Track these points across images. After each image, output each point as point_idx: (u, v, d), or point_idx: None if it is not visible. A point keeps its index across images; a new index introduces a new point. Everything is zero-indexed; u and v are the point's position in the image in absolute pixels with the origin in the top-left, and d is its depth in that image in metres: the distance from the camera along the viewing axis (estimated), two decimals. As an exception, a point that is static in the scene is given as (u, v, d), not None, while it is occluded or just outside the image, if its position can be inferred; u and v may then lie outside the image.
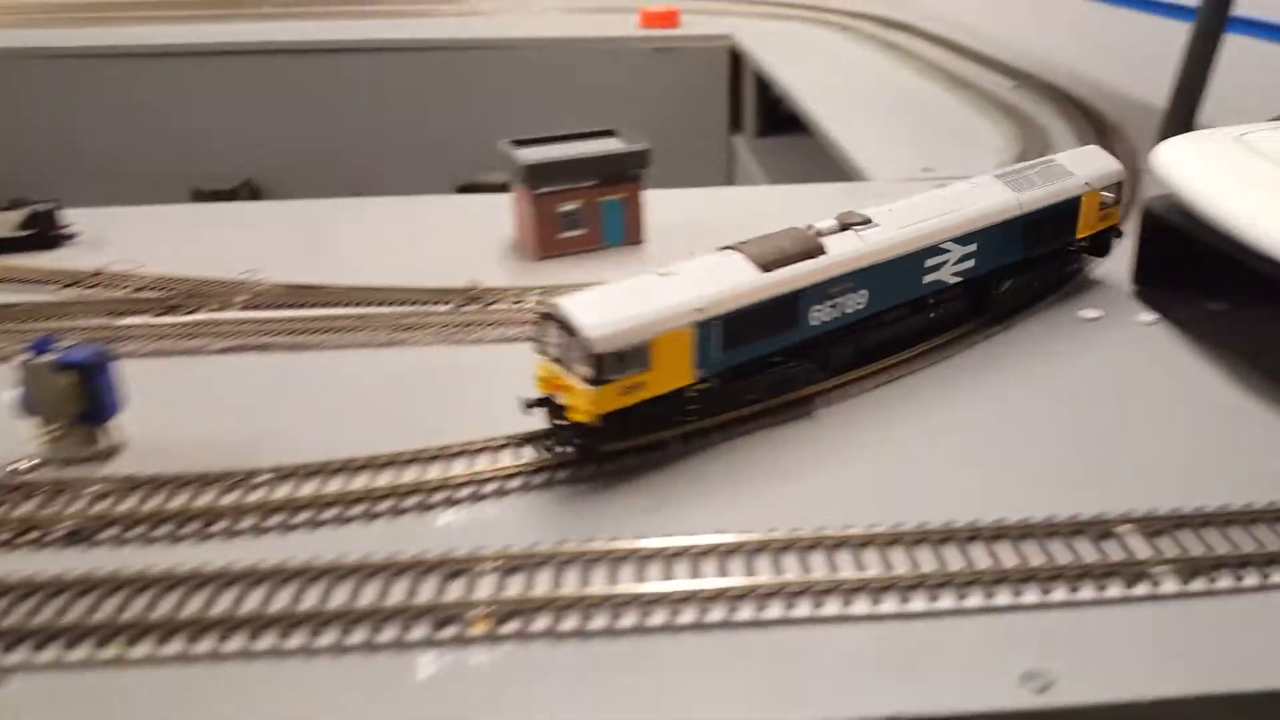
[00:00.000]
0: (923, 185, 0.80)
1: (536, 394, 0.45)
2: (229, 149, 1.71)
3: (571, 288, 0.59)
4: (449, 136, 1.73)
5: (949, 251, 0.54)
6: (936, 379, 0.53)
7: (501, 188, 1.73)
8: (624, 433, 0.45)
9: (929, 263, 0.54)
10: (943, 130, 0.98)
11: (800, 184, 0.93)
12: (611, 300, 0.44)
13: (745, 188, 0.83)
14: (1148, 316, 0.57)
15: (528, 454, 0.46)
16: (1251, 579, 0.38)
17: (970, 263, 0.55)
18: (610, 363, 0.43)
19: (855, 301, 0.51)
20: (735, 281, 0.46)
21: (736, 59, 1.68)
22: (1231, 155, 0.52)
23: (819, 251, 0.49)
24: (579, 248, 0.68)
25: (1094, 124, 0.98)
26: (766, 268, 0.47)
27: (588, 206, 0.68)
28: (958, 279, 0.55)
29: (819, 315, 0.50)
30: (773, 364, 0.49)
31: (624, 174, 0.68)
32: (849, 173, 0.90)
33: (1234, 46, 0.94)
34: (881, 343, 0.53)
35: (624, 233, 0.70)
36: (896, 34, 1.54)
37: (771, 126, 1.66)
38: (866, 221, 0.51)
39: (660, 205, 0.75)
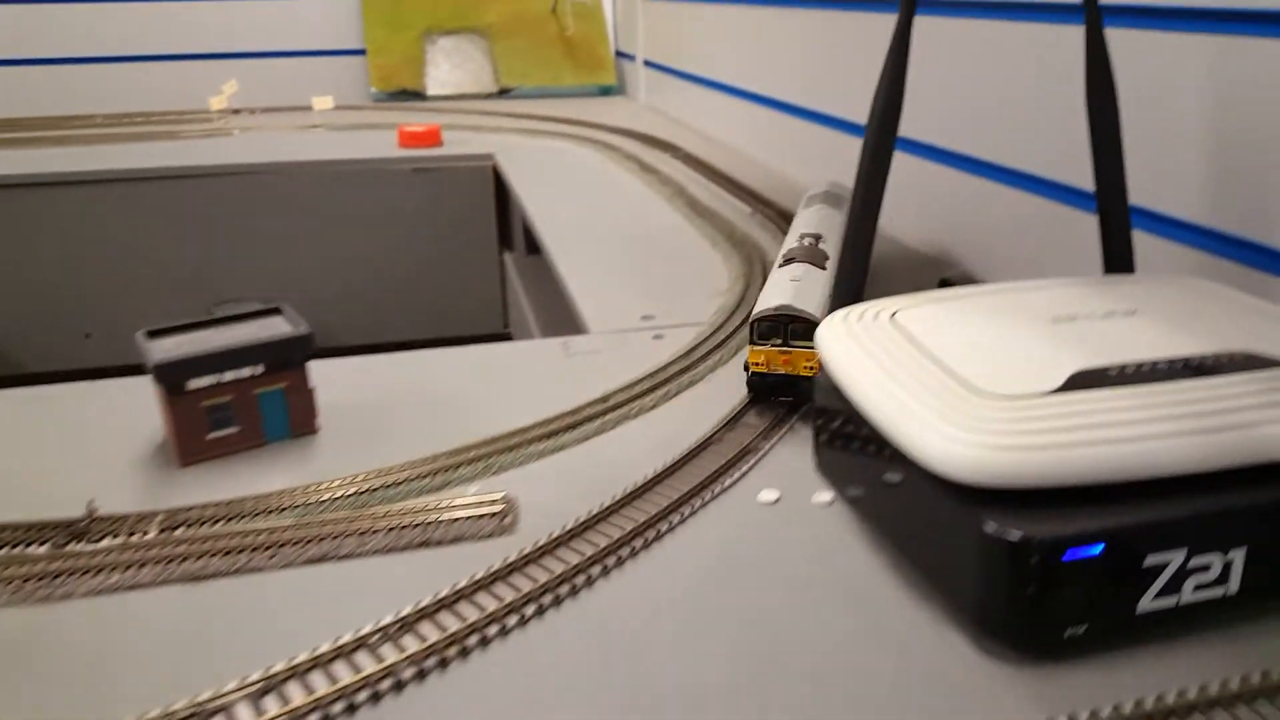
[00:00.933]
0: (638, 337, 0.77)
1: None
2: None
3: (215, 505, 0.51)
4: (200, 266, 1.61)
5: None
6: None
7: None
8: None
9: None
10: (675, 269, 0.96)
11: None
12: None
13: (434, 351, 0.76)
14: (826, 496, 0.54)
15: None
16: None
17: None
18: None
19: None
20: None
21: (500, 177, 1.65)
22: (878, 336, 0.50)
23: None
24: (234, 447, 0.60)
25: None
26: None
27: (241, 400, 0.59)
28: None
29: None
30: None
31: (285, 361, 0.60)
32: (575, 320, 0.86)
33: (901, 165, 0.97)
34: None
35: (290, 425, 0.62)
36: (657, 154, 1.56)
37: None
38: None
39: (341, 380, 0.68)
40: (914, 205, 1.01)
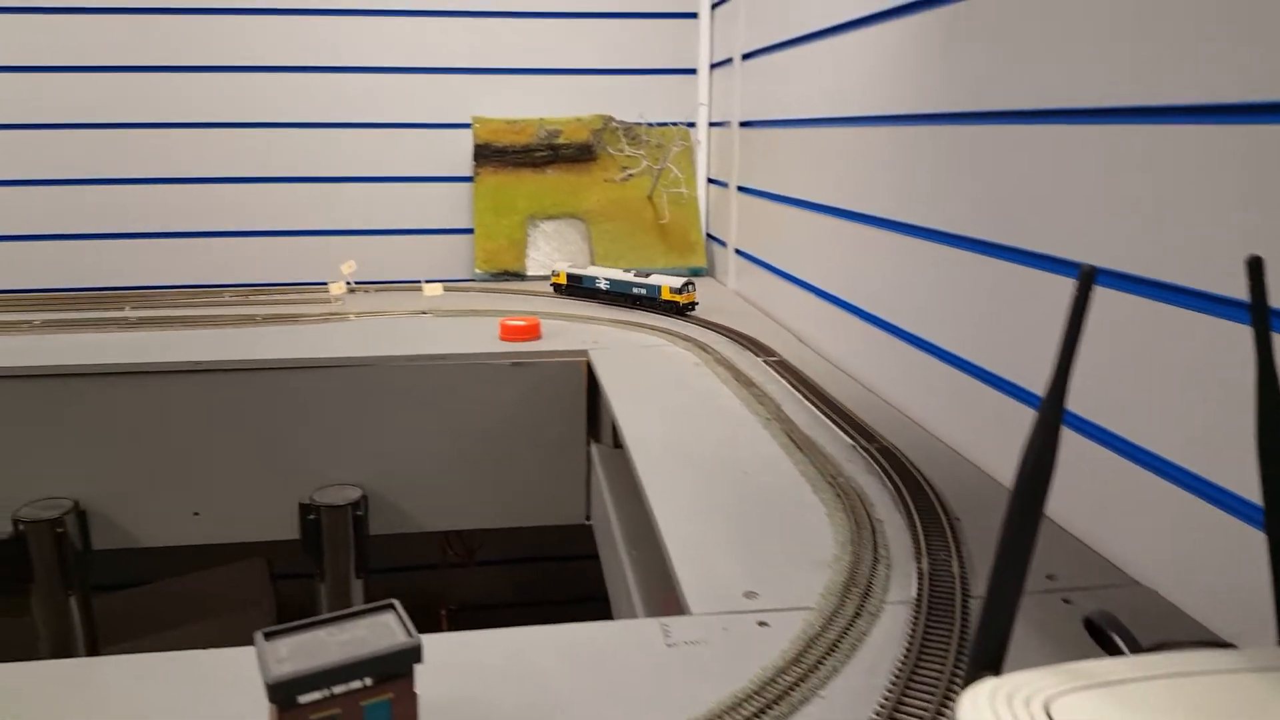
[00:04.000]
0: (742, 623, 0.75)
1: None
2: (54, 473, 1.59)
3: None
4: (293, 454, 1.65)
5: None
6: None
7: (343, 508, 1.63)
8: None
9: None
10: (775, 521, 0.94)
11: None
12: None
13: (530, 630, 0.75)
14: None
15: None
16: None
17: None
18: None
19: None
20: None
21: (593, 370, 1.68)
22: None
23: None
24: (337, 763, 0.59)
25: (927, 512, 0.96)
26: None
27: (348, 713, 0.59)
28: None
29: None
30: None
31: (394, 672, 0.60)
32: (671, 582, 0.85)
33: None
34: None
35: (393, 737, 0.61)
36: (750, 358, 1.57)
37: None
38: None
39: (434, 660, 0.67)
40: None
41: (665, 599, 1.08)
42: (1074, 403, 0.85)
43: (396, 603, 0.65)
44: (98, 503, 1.60)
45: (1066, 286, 0.94)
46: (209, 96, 2.30)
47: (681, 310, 1.93)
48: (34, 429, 1.59)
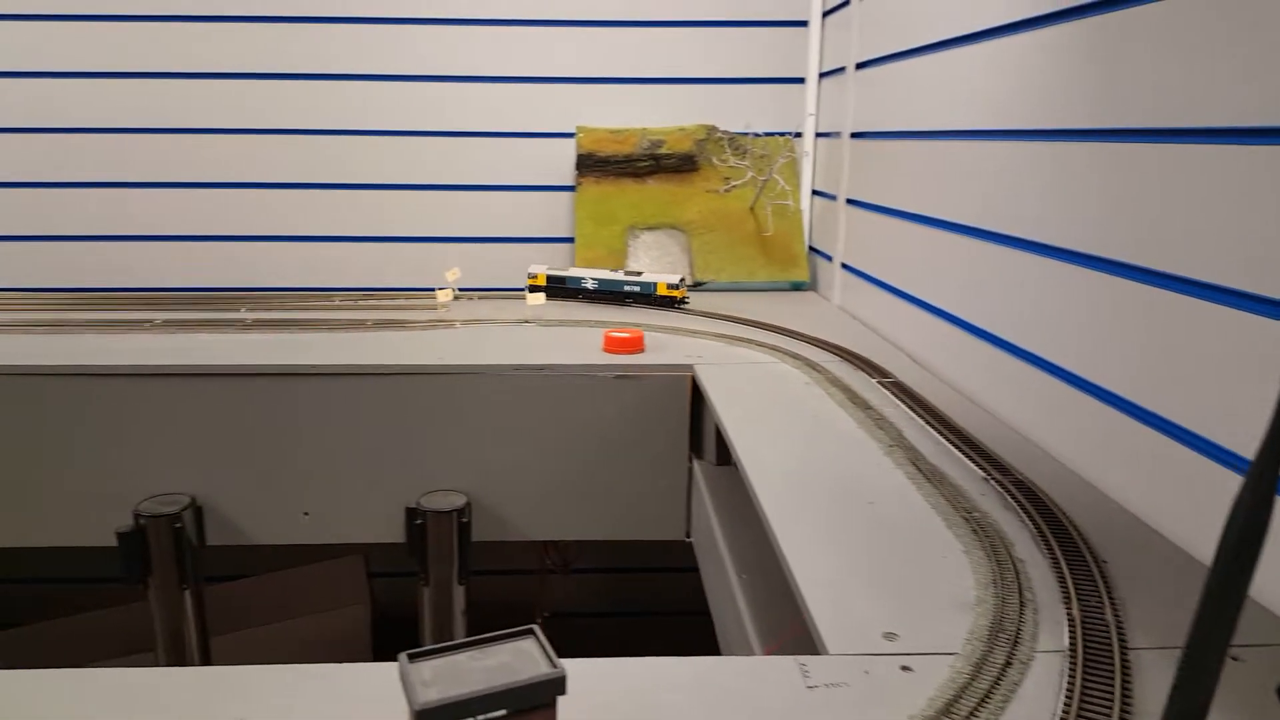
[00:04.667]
0: (883, 665, 0.71)
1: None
2: (172, 470, 1.64)
3: None
4: (400, 458, 1.66)
5: None
6: None
7: (449, 514, 1.63)
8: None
9: None
10: (909, 558, 0.90)
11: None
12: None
13: (654, 662, 0.73)
14: None
15: None
16: None
17: None
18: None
19: None
20: None
21: (698, 384, 1.65)
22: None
23: None
24: (479, 796, 0.58)
25: (1071, 553, 0.91)
26: None
27: (492, 745, 0.58)
28: None
29: None
30: None
31: (538, 702, 0.59)
32: (803, 616, 0.81)
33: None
34: None
35: (534, 772, 0.59)
36: (863, 378, 1.52)
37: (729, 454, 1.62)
38: None
39: (564, 715, 0.65)
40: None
41: (781, 630, 1.04)
42: (1228, 439, 0.80)
43: (536, 628, 0.64)
44: (213, 500, 1.64)
45: (1244, 322, 0.88)
46: (321, 104, 2.36)
47: (676, 304, 2.06)
48: (155, 426, 1.63)
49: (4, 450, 1.63)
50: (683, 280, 2.11)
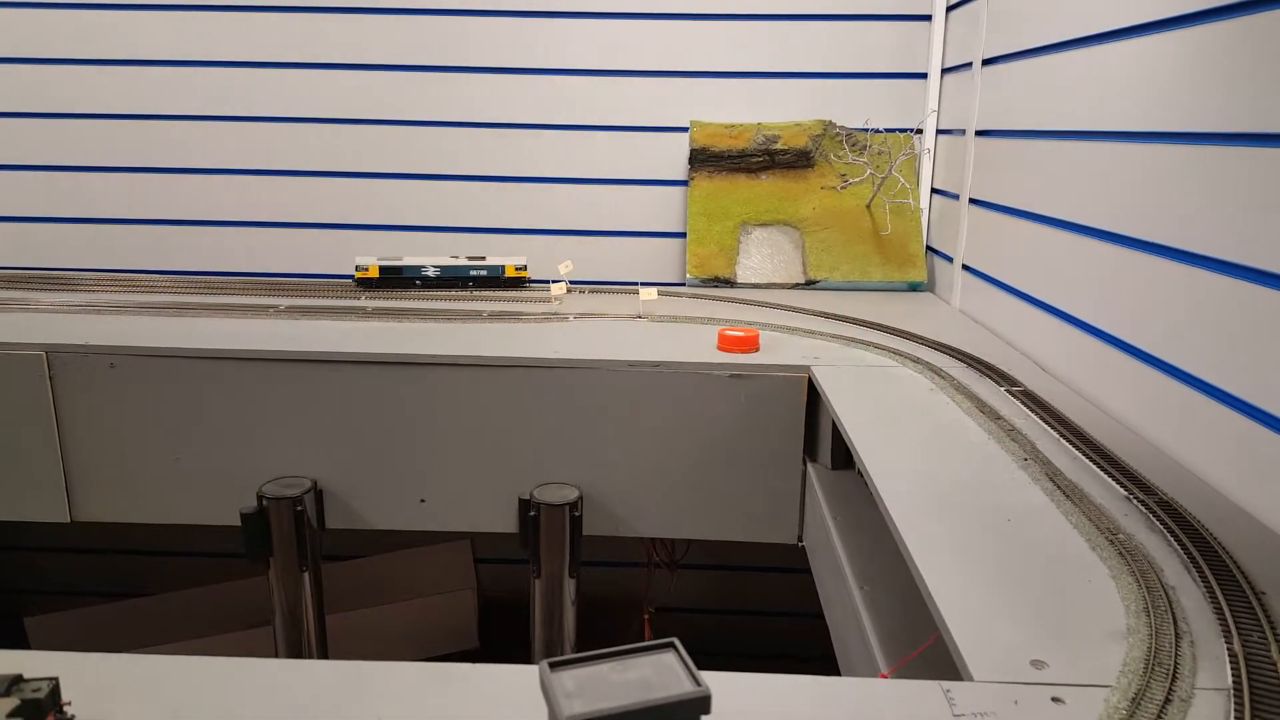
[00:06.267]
0: (1033, 695, 0.68)
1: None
2: (295, 454, 1.69)
3: None
4: (514, 450, 1.68)
5: None
6: None
7: (561, 507, 1.65)
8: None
9: None
10: (1053, 580, 0.86)
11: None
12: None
13: (779, 680, 0.71)
14: None
15: None
16: None
17: None
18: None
19: None
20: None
21: (814, 386, 1.62)
22: None
23: None
24: (621, 808, 0.57)
25: (1226, 581, 0.85)
26: None
27: (635, 759, 0.57)
28: None
29: None
30: None
31: (680, 719, 0.58)
32: (944, 634, 0.78)
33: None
34: None
35: (675, 787, 0.58)
36: (990, 386, 1.47)
37: (848, 458, 1.58)
38: None
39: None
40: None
41: (909, 647, 1.01)
42: None
43: (677, 641, 0.63)
44: (334, 484, 1.69)
45: None
46: (448, 96, 2.40)
47: (521, 285, 2.14)
48: (280, 411, 1.69)
49: (135, 429, 1.70)
50: (525, 265, 2.15)
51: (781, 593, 2.53)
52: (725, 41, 2.39)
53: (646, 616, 2.26)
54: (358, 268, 2.20)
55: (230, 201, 2.47)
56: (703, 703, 0.58)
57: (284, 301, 2.09)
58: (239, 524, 1.63)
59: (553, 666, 0.60)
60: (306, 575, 1.70)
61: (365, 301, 2.08)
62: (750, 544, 1.77)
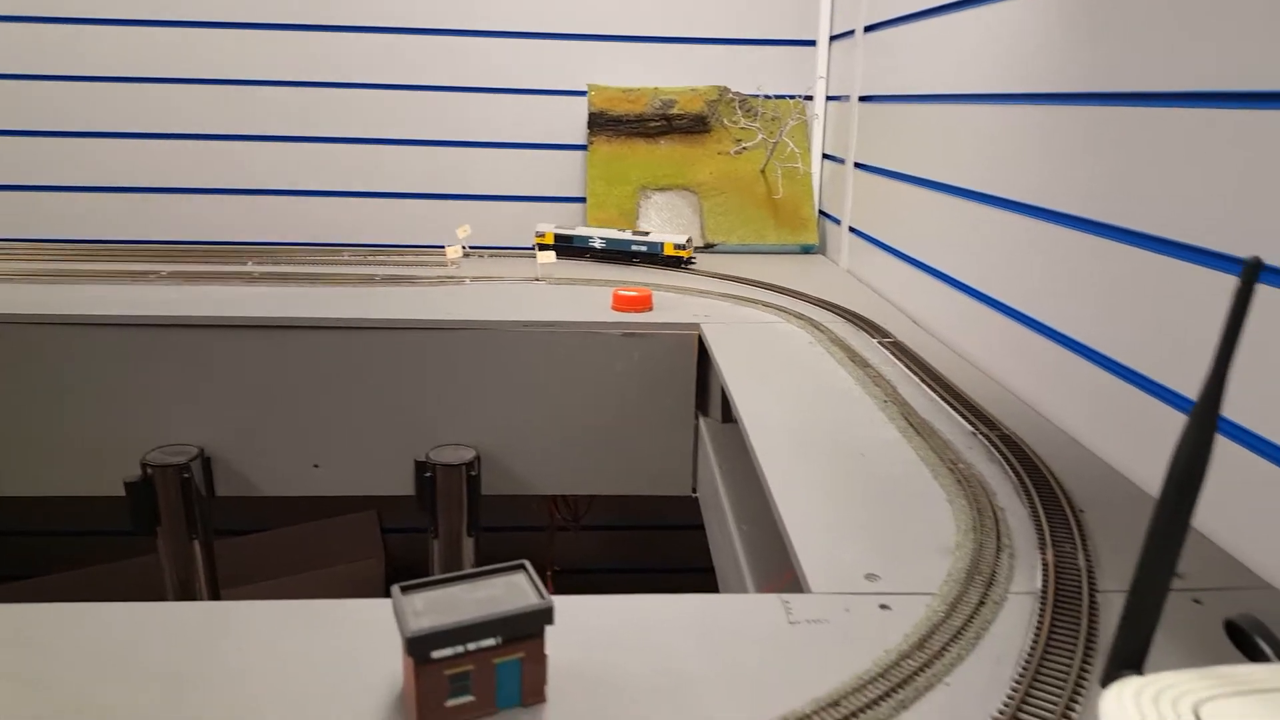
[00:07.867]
0: (863, 604, 0.74)
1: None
2: (180, 421, 1.68)
3: None
4: (410, 413, 1.70)
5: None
6: None
7: (458, 468, 1.66)
8: None
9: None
10: (893, 505, 0.93)
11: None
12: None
13: (651, 599, 0.76)
14: None
15: None
16: None
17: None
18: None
19: None
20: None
21: (704, 344, 1.67)
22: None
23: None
24: (469, 716, 0.61)
25: (1050, 503, 0.93)
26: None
27: (480, 670, 0.61)
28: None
29: None
30: None
31: (526, 632, 0.62)
32: (792, 562, 0.84)
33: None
34: None
35: (521, 694, 0.63)
36: (865, 339, 1.54)
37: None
38: None
39: (564, 647, 0.68)
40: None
41: (776, 575, 1.08)
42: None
43: (527, 563, 0.67)
44: (222, 451, 1.68)
45: (1212, 280, 0.89)
46: (329, 57, 2.37)
47: (683, 264, 2.12)
48: (163, 377, 1.66)
49: (9, 400, 1.66)
50: (689, 241, 2.14)
51: (683, 550, 2.60)
52: (623, 5, 2.41)
53: (549, 575, 2.30)
54: (538, 234, 2.23)
55: (111, 165, 2.39)
56: (545, 614, 0.62)
57: (166, 268, 2.05)
58: (123, 494, 1.61)
59: (404, 589, 0.64)
60: (197, 545, 1.69)
61: (252, 267, 2.06)
62: (651, 503, 1.82)
